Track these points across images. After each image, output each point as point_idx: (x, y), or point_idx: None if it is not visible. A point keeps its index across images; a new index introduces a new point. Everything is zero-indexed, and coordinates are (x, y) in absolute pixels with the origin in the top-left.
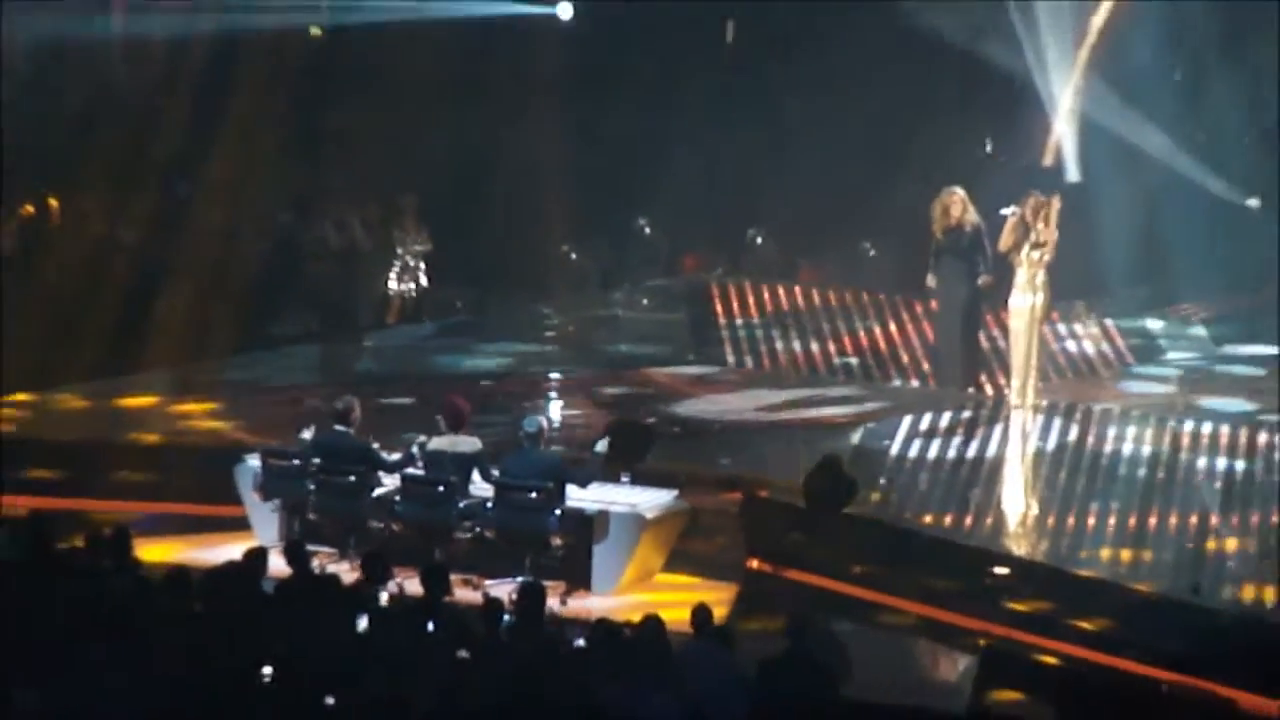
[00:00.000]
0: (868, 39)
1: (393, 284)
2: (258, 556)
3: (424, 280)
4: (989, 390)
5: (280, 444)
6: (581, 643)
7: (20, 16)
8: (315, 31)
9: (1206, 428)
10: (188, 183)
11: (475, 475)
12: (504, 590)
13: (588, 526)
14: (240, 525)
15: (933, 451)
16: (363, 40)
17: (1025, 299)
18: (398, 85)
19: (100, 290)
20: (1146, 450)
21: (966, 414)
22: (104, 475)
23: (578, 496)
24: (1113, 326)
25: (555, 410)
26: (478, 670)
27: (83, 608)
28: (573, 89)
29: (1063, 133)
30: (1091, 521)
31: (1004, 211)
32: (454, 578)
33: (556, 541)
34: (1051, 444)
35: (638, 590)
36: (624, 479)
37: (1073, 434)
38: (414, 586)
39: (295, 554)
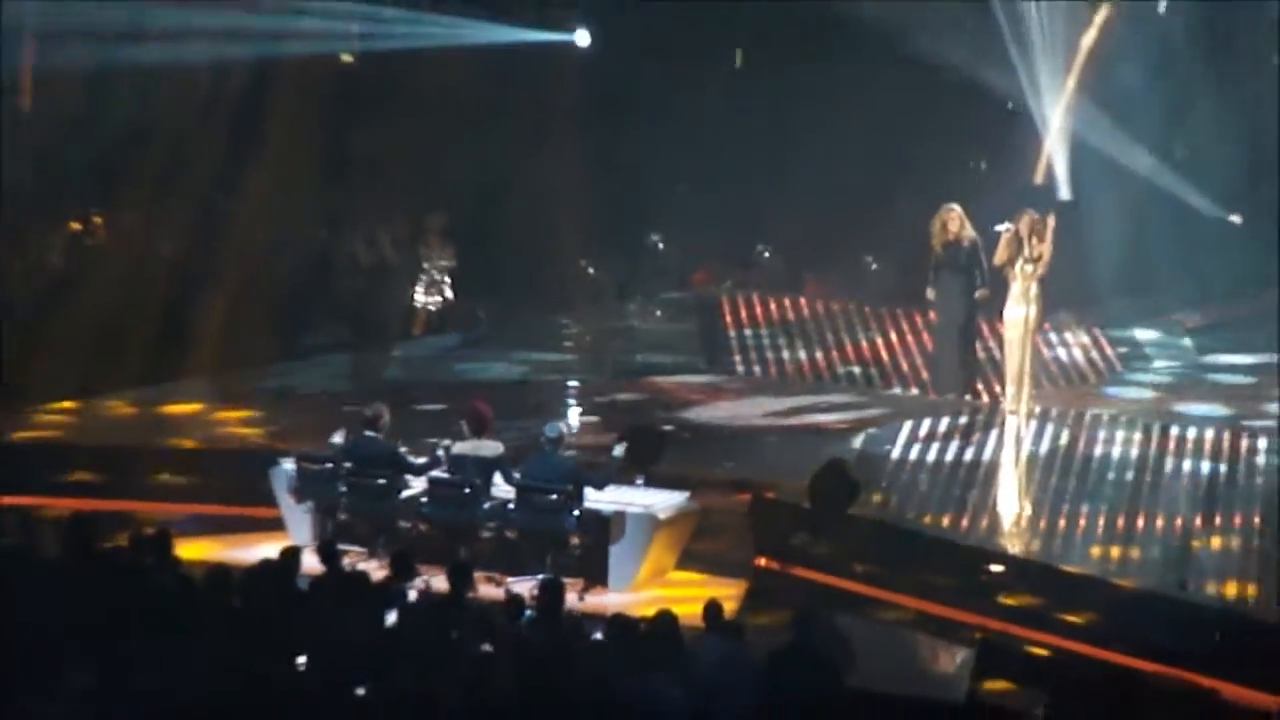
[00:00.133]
0: (869, 65)
1: (419, 297)
2: (292, 555)
3: (449, 294)
4: (985, 397)
5: (313, 449)
6: (599, 636)
7: (67, 47)
8: (346, 58)
9: (1190, 432)
10: (226, 201)
11: (497, 478)
12: (525, 587)
13: (605, 527)
14: (275, 526)
15: (931, 455)
16: (391, 67)
17: (1019, 310)
18: (424, 110)
19: (143, 303)
20: (1133, 454)
21: (963, 420)
22: (145, 478)
23: (595, 498)
24: (1101, 336)
25: (573, 416)
26: (500, 662)
27: (127, 603)
28: (589, 113)
29: (1054, 152)
30: (1081, 521)
31: (998, 228)
32: (478, 575)
33: (575, 541)
34: (1044, 448)
35: (652, 587)
36: (638, 481)
37: (1064, 438)
38: (440, 583)
39: (327, 553)
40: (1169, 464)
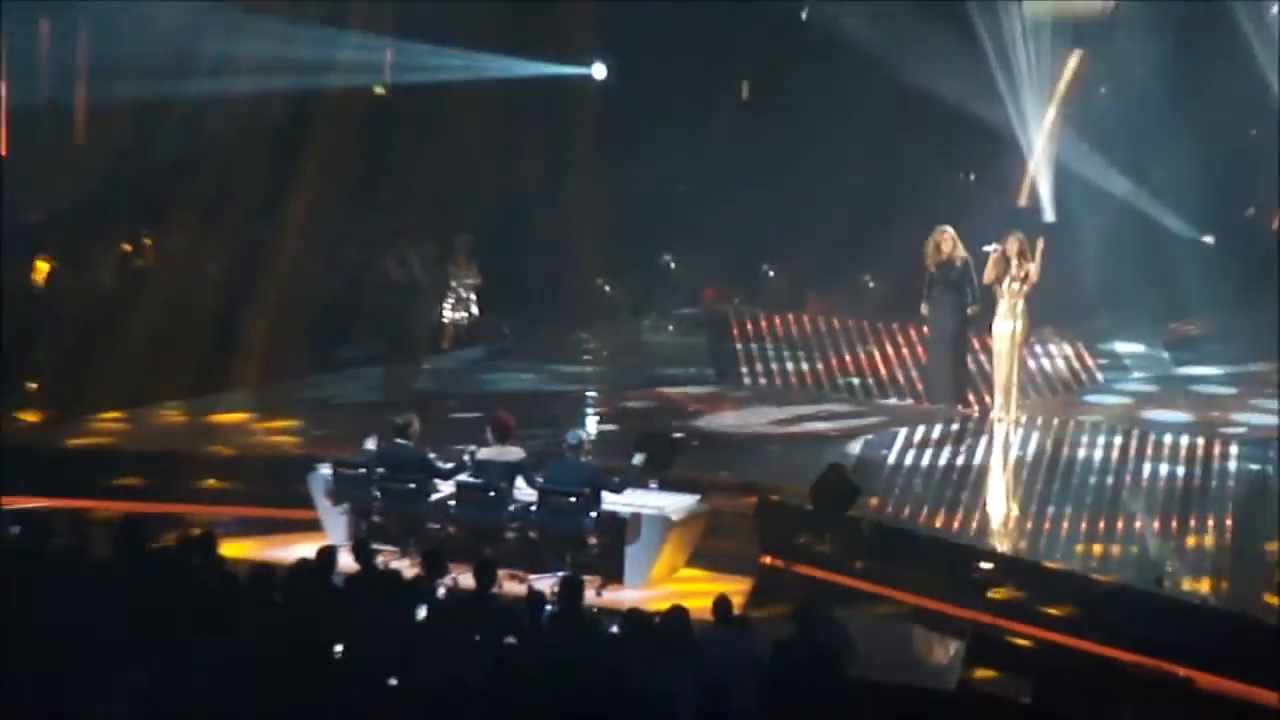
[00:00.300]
0: (866, 98)
1: (447, 313)
2: (329, 554)
3: (475, 310)
4: (975, 406)
5: (348, 455)
6: (615, 630)
7: (118, 81)
8: (379, 90)
9: (1166, 438)
10: (267, 224)
11: (520, 481)
12: (546, 584)
13: (621, 527)
14: (313, 527)
15: (925, 460)
16: (421, 98)
17: (1006, 325)
18: (452, 139)
19: (189, 319)
20: (1113, 458)
21: (955, 427)
22: (191, 483)
23: (612, 501)
24: (1083, 349)
25: (591, 424)
26: (523, 654)
27: (175, 600)
28: (605, 141)
29: (1038, 177)
30: (1064, 521)
31: (987, 249)
32: (502, 573)
33: (593, 541)
34: (1030, 453)
35: (665, 583)
36: (652, 485)
37: (1048, 444)
38: (467, 581)
39: (362, 552)
40: (1146, 468)
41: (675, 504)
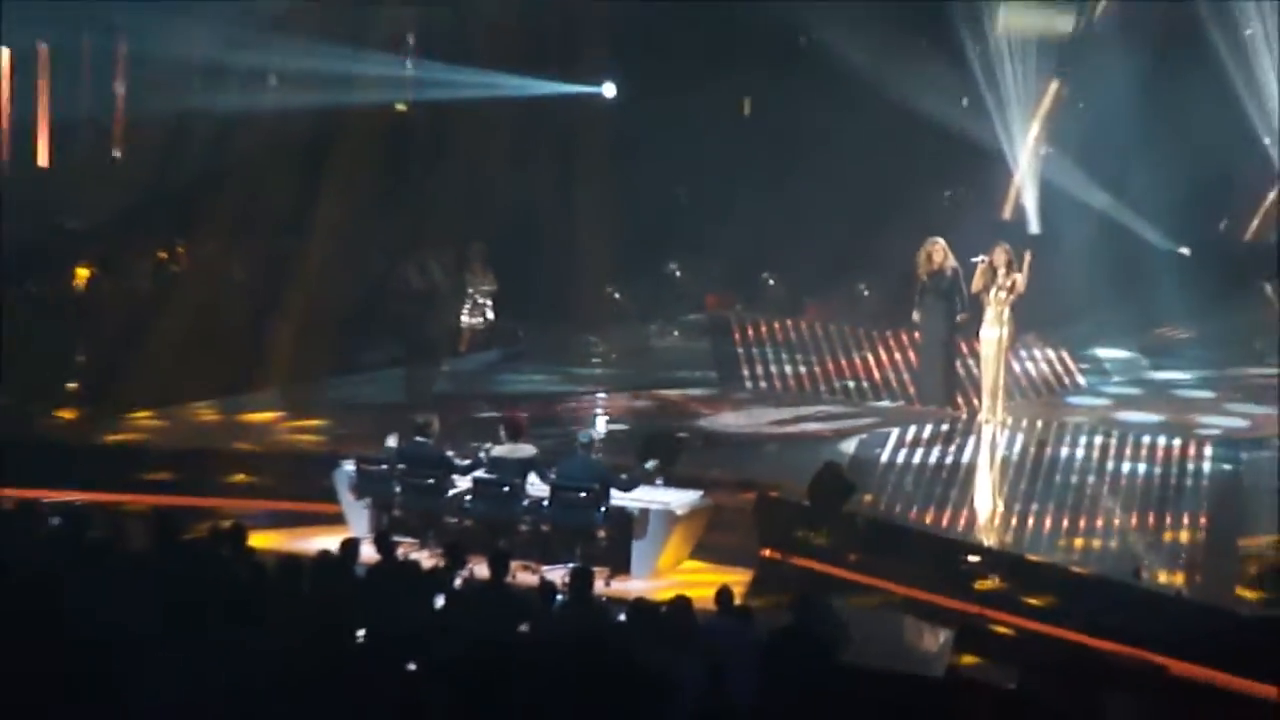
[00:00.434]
0: (862, 114)
1: (465, 318)
2: (352, 546)
3: (491, 315)
4: (964, 408)
5: (370, 452)
6: (623, 618)
7: (152, 96)
8: (401, 107)
9: (1145, 439)
10: (294, 233)
11: (532, 477)
12: (558, 574)
13: (628, 521)
14: (337, 520)
15: (916, 459)
16: (440, 114)
17: (993, 331)
18: (470, 152)
19: (220, 323)
20: (1094, 458)
21: (945, 427)
22: (221, 478)
23: (620, 496)
24: (1066, 354)
25: (601, 424)
26: (536, 641)
27: (206, 588)
28: (614, 155)
29: (1023, 191)
30: (1047, 517)
31: (974, 260)
32: (515, 564)
33: (602, 534)
34: (1015, 452)
35: (670, 574)
36: (658, 482)
37: (1032, 444)
38: (482, 571)
39: (383, 544)
40: (1125, 467)
41: (680, 500)
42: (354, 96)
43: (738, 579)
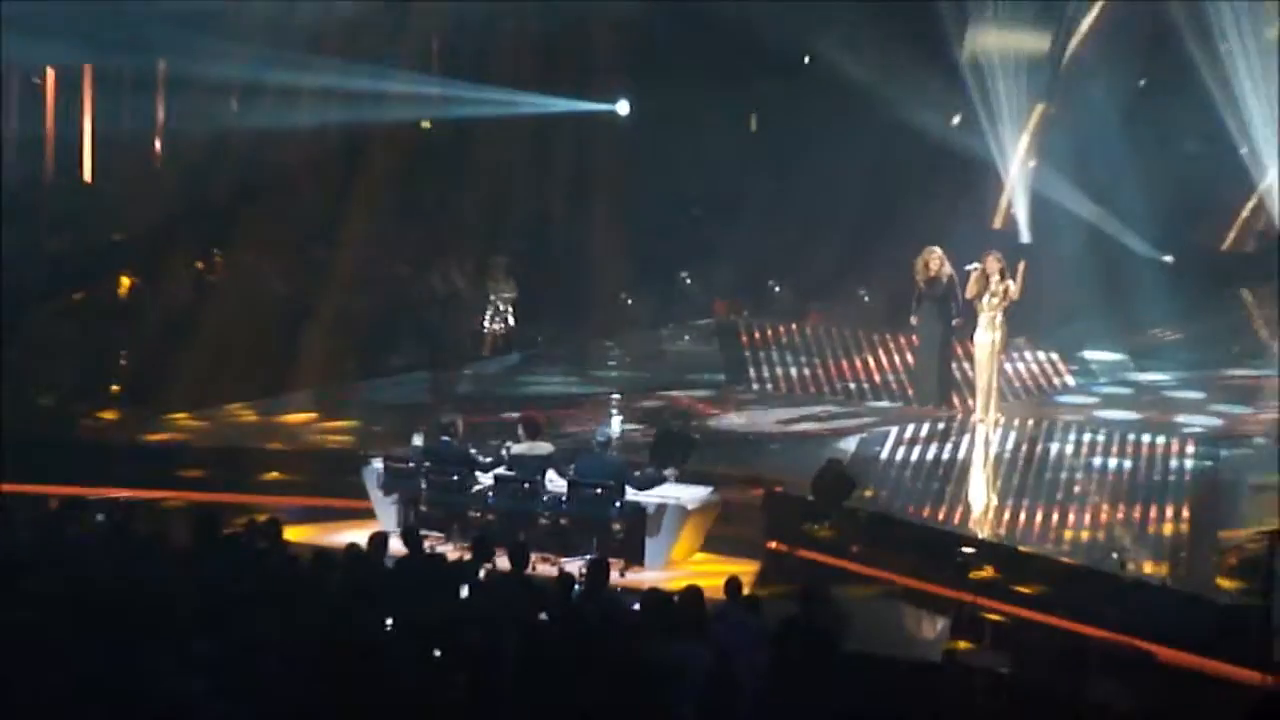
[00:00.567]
0: (863, 130)
1: (486, 324)
2: (381, 539)
3: (511, 321)
4: (959, 407)
5: (399, 450)
6: (637, 607)
7: (190, 110)
8: (425, 124)
9: (1130, 436)
10: (325, 243)
11: (551, 473)
12: (575, 566)
13: (642, 516)
14: (366, 515)
15: (914, 456)
16: (463, 131)
17: (987, 335)
18: (491, 167)
19: (255, 328)
20: (1082, 454)
21: (941, 426)
22: (257, 475)
23: (634, 492)
24: (1056, 357)
25: (616, 423)
26: (554, 628)
27: (245, 579)
28: (628, 169)
29: (1015, 201)
30: (1038, 510)
31: (969, 267)
32: (535, 556)
33: (617, 527)
34: (1007, 450)
35: (682, 566)
36: (670, 478)
37: (1024, 442)
38: (503, 563)
39: (410, 537)
40: (1112, 463)
41: (691, 495)
42: (381, 114)
43: (746, 570)
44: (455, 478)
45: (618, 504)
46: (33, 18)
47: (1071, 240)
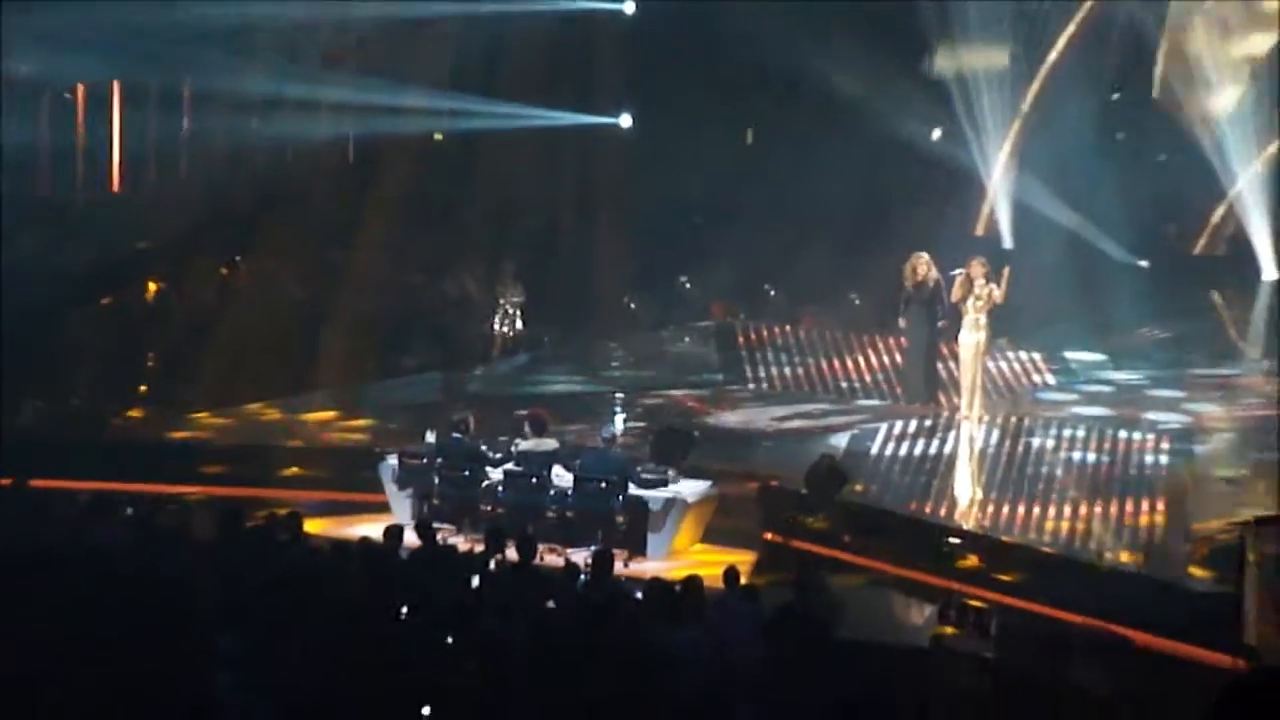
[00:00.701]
0: (854, 142)
1: (496, 326)
2: (396, 532)
3: (520, 323)
4: (945, 405)
5: (412, 447)
6: (640, 595)
7: (214, 124)
8: (437, 136)
9: (1108, 432)
10: (342, 250)
11: (558, 468)
12: (581, 556)
13: (644, 509)
14: (382, 508)
15: (902, 451)
16: (473, 143)
17: (971, 336)
18: (500, 177)
19: (275, 332)
20: (1062, 449)
21: (928, 423)
22: (278, 471)
23: (637, 488)
24: (1037, 356)
25: (619, 421)
26: (561, 616)
27: (267, 569)
28: (631, 179)
29: (997, 210)
30: (1020, 503)
31: (953, 272)
32: (542, 547)
33: (620, 520)
34: (991, 445)
35: (682, 556)
36: (670, 473)
37: (1007, 437)
38: (512, 554)
39: (424, 530)
40: (1090, 458)
41: (690, 489)
42: (395, 127)
43: (743, 560)
44: (466, 473)
45: (621, 498)
46: (64, 36)
47: (1051, 246)
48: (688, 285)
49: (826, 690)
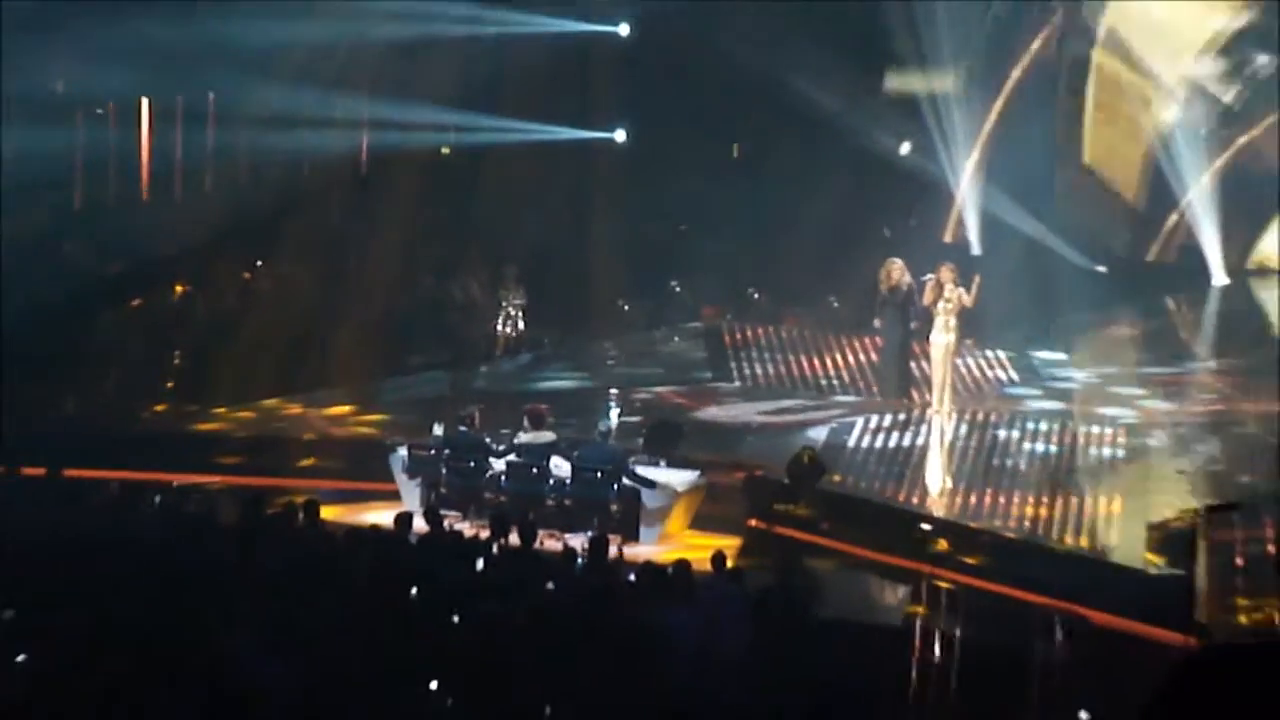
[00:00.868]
0: (833, 156)
1: (499, 327)
2: (406, 518)
3: (522, 325)
4: (917, 401)
5: (421, 439)
6: (633, 578)
7: (235, 137)
8: (445, 150)
9: (1069, 425)
10: (356, 255)
11: (557, 459)
12: (578, 541)
13: (637, 497)
14: (393, 497)
15: (878, 443)
16: (478, 156)
17: (942, 337)
18: (503, 188)
19: (294, 331)
20: (1026, 442)
21: (901, 417)
22: (295, 461)
23: (630, 477)
24: (1003, 356)
25: (614, 415)
26: (560, 597)
27: (286, 553)
28: (625, 190)
29: (966, 218)
30: (986, 491)
31: (925, 277)
32: (542, 533)
33: (615, 507)
34: (960, 438)
35: (673, 541)
36: (662, 463)
37: (974, 431)
38: (514, 539)
39: (432, 517)
40: (1052, 449)
41: (680, 478)
42: (405, 141)
43: (730, 545)
44: (471, 464)
45: (616, 487)
46: (97, 57)
47: (1016, 252)
48: (678, 289)
49: (807, 666)
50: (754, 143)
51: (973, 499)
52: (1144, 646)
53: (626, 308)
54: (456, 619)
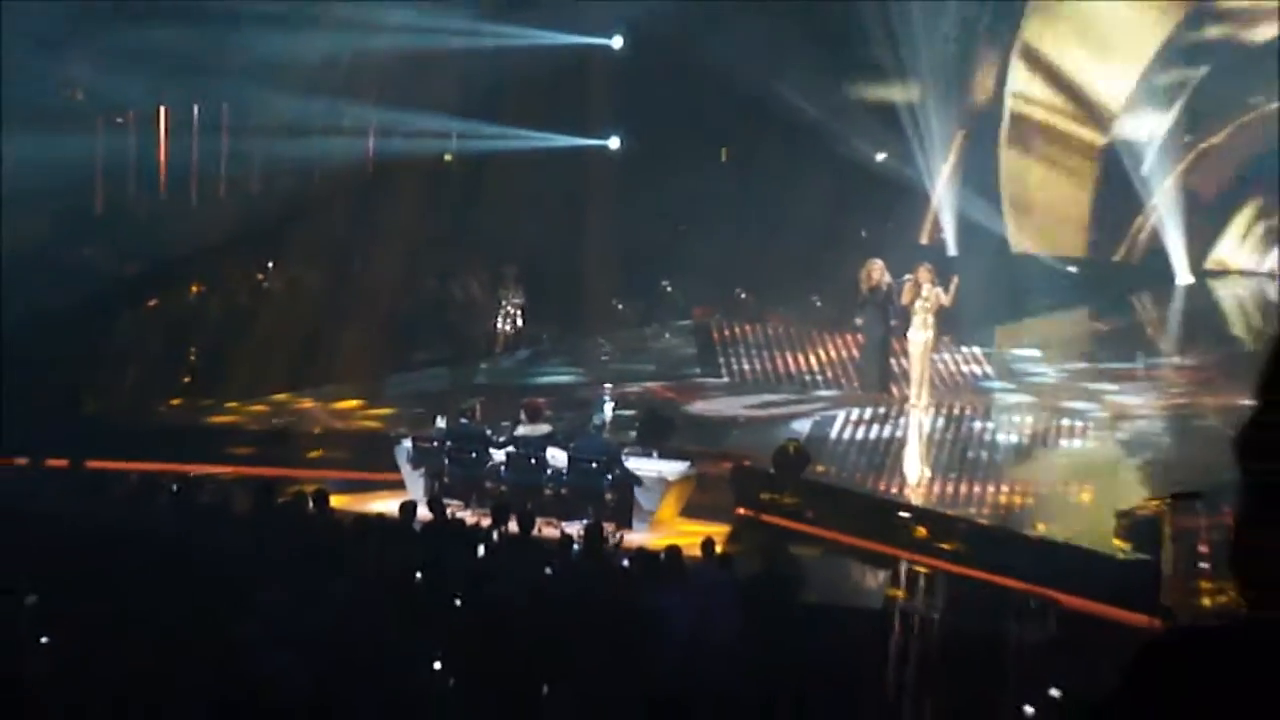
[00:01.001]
0: (817, 161)
1: (499, 325)
2: (410, 507)
3: (520, 322)
4: (896, 395)
5: (425, 432)
6: (626, 564)
7: (248, 144)
8: (447, 157)
9: (1042, 419)
10: (363, 257)
11: (554, 450)
12: (574, 528)
13: (631, 486)
14: (398, 486)
15: (859, 435)
16: (478, 164)
17: (920, 334)
18: (502, 192)
19: (303, 330)
20: (1000, 434)
21: (881, 411)
22: (304, 453)
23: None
24: (978, 351)
25: (609, 409)
26: (557, 581)
27: (296, 540)
28: (619, 194)
29: (942, 221)
30: (963, 481)
31: (904, 277)
32: (540, 520)
33: (610, 496)
34: (937, 430)
35: (664, 529)
36: (654, 454)
37: (951, 424)
38: (514, 526)
39: (435, 505)
40: (1025, 441)
41: (671, 468)
42: (408, 148)
43: (719, 532)
44: (473, 455)
45: (610, 476)
46: (117, 67)
47: (990, 253)
48: (669, 288)
49: (792, 646)
50: (741, 148)
51: (949, 488)
52: (1113, 628)
53: (620, 306)
54: (459, 602)
